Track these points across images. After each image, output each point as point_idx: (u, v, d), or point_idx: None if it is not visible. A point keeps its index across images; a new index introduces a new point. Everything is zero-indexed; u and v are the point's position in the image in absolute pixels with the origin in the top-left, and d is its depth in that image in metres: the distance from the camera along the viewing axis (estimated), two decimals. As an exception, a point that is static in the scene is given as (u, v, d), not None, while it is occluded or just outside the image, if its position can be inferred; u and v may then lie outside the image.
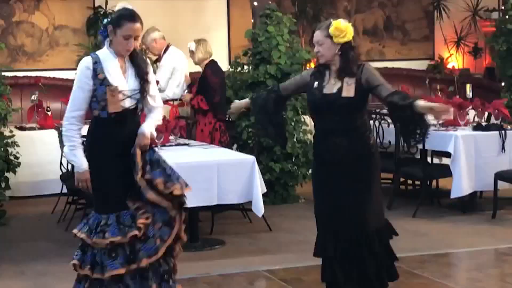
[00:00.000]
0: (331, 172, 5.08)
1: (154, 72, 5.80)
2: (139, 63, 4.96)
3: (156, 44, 8.94)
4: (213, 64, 8.54)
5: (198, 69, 8.80)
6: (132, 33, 4.86)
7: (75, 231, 4.82)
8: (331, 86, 5.05)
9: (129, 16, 4.91)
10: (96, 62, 4.85)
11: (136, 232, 4.70)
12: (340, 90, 5.00)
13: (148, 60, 5.11)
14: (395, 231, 5.26)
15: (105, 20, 5.00)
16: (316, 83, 5.10)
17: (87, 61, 4.88)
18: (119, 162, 4.85)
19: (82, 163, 4.84)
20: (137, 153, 4.80)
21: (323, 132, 5.10)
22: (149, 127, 4.93)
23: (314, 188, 5.23)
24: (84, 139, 4.94)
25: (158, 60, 9.10)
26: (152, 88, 5.00)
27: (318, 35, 5.05)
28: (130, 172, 4.83)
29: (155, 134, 5.04)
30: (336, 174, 5.07)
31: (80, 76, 4.86)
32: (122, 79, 4.88)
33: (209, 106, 8.34)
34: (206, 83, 8.39)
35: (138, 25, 4.89)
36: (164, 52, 9.05)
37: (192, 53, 8.52)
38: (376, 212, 5.16)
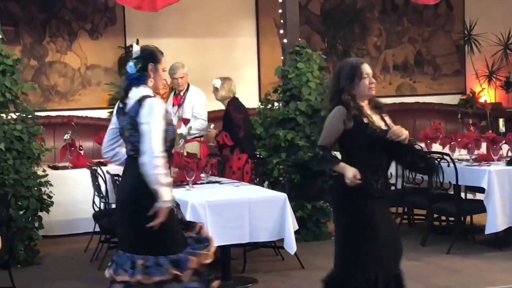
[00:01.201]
0: (386, 206, 5.10)
1: None
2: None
3: (183, 80, 8.95)
4: (235, 101, 8.59)
5: (219, 107, 8.90)
6: (165, 66, 5.02)
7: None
8: (378, 121, 5.05)
9: (158, 50, 5.07)
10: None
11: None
12: (386, 125, 5.02)
13: (148, 99, 4.89)
14: None
15: (138, 64, 4.95)
16: (365, 120, 5.05)
17: (162, 103, 4.84)
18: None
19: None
20: None
21: (376, 167, 5.03)
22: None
23: (372, 226, 4.98)
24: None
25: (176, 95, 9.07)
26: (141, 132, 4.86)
27: (369, 68, 5.09)
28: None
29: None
30: (388, 208, 5.14)
31: (162, 117, 4.71)
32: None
33: (234, 142, 8.38)
34: (230, 119, 8.44)
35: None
36: (187, 89, 9.01)
37: (216, 90, 8.56)
38: None
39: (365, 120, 5.05)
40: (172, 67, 8.86)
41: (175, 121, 8.66)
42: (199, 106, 8.93)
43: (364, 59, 5.16)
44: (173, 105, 8.93)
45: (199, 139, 8.83)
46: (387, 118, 5.08)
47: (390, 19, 12.52)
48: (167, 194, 4.54)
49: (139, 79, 4.91)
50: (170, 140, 4.85)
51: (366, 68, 5.07)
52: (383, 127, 5.02)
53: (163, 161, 4.56)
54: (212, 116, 9.40)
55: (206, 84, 10.19)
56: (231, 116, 8.44)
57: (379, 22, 12.46)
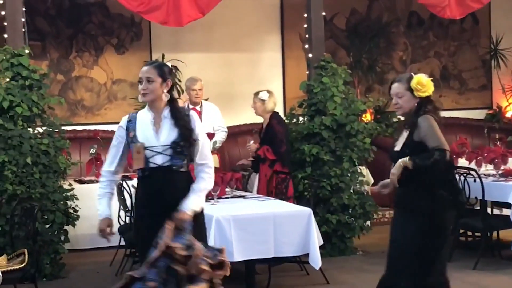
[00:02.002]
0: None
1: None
2: (174, 118, 4.94)
3: (201, 92, 8.98)
4: (277, 115, 8.64)
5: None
6: (141, 75, 4.99)
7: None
8: (400, 141, 5.07)
9: (147, 63, 5.17)
10: (130, 121, 5.02)
11: None
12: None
13: (192, 115, 5.03)
14: None
15: None
16: (396, 137, 5.14)
17: (123, 120, 5.08)
18: (154, 220, 4.76)
19: (102, 211, 5.11)
20: (167, 228, 4.62)
21: None
22: (191, 204, 4.80)
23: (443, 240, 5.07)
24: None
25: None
26: (199, 143, 4.96)
27: (398, 87, 5.09)
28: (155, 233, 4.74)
29: (198, 208, 4.85)
30: None
31: (115, 134, 5.09)
32: (151, 135, 4.91)
33: (276, 156, 8.38)
34: (273, 133, 8.44)
35: (147, 67, 5.01)
36: (201, 104, 9.05)
37: (262, 102, 8.54)
38: None
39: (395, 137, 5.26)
40: (191, 79, 8.94)
41: None
42: (220, 119, 9.06)
43: (414, 74, 5.13)
44: None
45: (215, 152, 8.81)
46: (401, 141, 5.11)
47: (415, 34, 12.49)
48: (97, 207, 5.25)
49: None
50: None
51: (394, 87, 5.14)
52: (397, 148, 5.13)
53: (101, 177, 5.20)
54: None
55: (231, 99, 10.27)
56: (274, 130, 8.45)
57: (405, 37, 12.43)
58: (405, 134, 5.06)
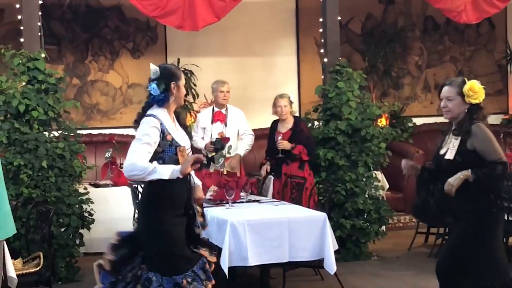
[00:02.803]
0: None
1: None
2: (181, 121, 5.18)
3: (229, 94, 8.98)
4: (303, 120, 8.78)
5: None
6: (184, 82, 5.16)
7: None
8: (446, 146, 5.05)
9: (177, 67, 5.22)
10: (162, 123, 4.97)
11: None
12: (446, 152, 5.03)
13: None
14: None
15: (161, 85, 5.07)
16: (440, 141, 5.12)
17: (155, 121, 4.96)
18: (183, 221, 4.99)
19: (170, 168, 4.89)
20: (198, 209, 5.04)
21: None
22: (198, 179, 5.20)
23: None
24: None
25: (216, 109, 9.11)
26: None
27: (449, 90, 5.07)
28: (189, 230, 5.01)
29: None
30: None
31: (150, 134, 4.93)
32: (185, 138, 5.01)
33: (311, 158, 8.45)
34: (305, 136, 8.50)
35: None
36: (226, 108, 9.04)
37: (291, 103, 8.60)
38: None
39: (439, 142, 5.25)
40: (218, 81, 8.96)
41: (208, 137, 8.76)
42: (245, 123, 9.08)
43: (467, 80, 5.11)
44: (213, 121, 8.92)
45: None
46: (453, 149, 5.09)
47: (431, 38, 12.46)
48: (164, 172, 4.87)
49: (164, 99, 5.05)
50: (172, 161, 4.93)
51: (444, 90, 5.13)
52: (443, 152, 5.14)
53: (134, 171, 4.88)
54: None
55: (246, 103, 10.25)
56: (307, 133, 8.54)
57: (420, 41, 12.40)
58: (454, 141, 5.02)
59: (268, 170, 8.60)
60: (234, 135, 8.91)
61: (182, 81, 5.11)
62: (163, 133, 4.94)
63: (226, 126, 8.91)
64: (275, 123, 8.76)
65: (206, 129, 8.92)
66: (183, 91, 5.16)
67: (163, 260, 4.94)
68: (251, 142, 9.03)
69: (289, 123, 8.57)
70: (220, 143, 8.51)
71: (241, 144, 8.95)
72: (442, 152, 5.10)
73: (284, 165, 8.44)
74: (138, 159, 4.87)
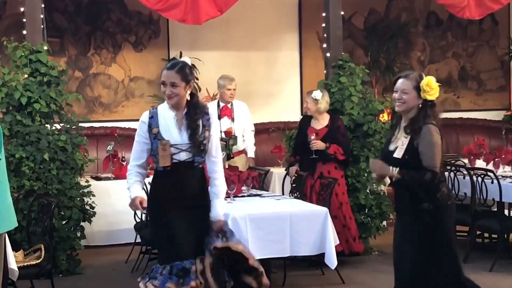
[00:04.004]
0: None
1: None
2: (192, 116, 5.07)
3: (235, 93, 8.99)
4: (339, 116, 8.38)
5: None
6: (166, 80, 5.02)
7: (140, 285, 5.01)
8: (395, 142, 5.03)
9: (168, 64, 5.11)
10: (152, 117, 5.07)
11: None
12: (395, 149, 5.00)
13: (213, 114, 5.22)
14: None
15: None
16: (389, 137, 5.12)
17: (144, 115, 5.12)
18: (178, 214, 4.98)
19: (133, 192, 5.04)
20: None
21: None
22: (220, 210, 5.12)
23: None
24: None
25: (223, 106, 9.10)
26: (212, 141, 5.13)
27: (405, 83, 5.02)
28: (192, 225, 4.98)
29: (224, 211, 5.22)
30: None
31: (138, 130, 5.13)
32: (176, 133, 5.00)
33: (346, 157, 8.10)
34: (341, 134, 8.11)
35: (171, 72, 5.03)
36: (232, 103, 9.07)
37: (315, 102, 8.12)
38: None
39: (389, 136, 5.25)
40: (226, 78, 8.94)
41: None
42: (249, 117, 9.10)
43: (424, 75, 5.07)
44: (220, 117, 8.92)
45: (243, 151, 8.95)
46: (402, 148, 5.06)
47: (434, 34, 12.45)
48: (129, 193, 5.06)
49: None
50: (157, 153, 5.02)
51: (400, 82, 5.08)
52: (392, 148, 5.11)
53: (129, 172, 5.13)
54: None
55: (249, 97, 10.23)
56: (343, 132, 8.15)
57: (423, 37, 12.39)
58: (404, 139, 4.99)
59: (297, 170, 8.24)
60: (241, 129, 8.97)
61: (161, 78, 5.08)
62: (150, 126, 5.05)
63: (233, 121, 8.94)
64: (306, 119, 8.37)
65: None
66: (161, 89, 5.12)
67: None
68: (253, 139, 9.10)
69: (325, 120, 8.20)
70: (234, 141, 8.57)
71: (247, 146, 9.00)
72: (391, 148, 5.06)
73: (320, 164, 8.08)
74: (130, 159, 5.20)
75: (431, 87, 4.95)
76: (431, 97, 4.97)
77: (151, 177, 5.19)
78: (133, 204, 5.01)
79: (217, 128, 5.27)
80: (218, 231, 5.02)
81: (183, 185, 5.03)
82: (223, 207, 5.16)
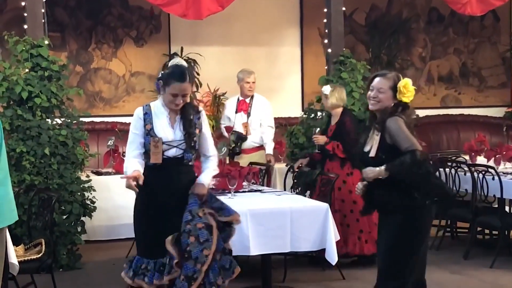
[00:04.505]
0: None
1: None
2: (186, 114, 5.13)
3: (254, 85, 8.88)
4: (350, 111, 8.15)
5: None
6: (179, 93, 5.05)
7: (122, 274, 5.17)
8: (370, 142, 5.03)
9: (178, 75, 5.05)
10: (146, 113, 5.14)
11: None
12: (371, 149, 4.99)
13: (203, 111, 5.28)
14: None
15: (160, 74, 5.23)
16: (364, 137, 5.10)
17: (139, 111, 5.18)
18: (162, 208, 5.06)
19: (129, 169, 5.06)
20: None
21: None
22: (207, 178, 5.23)
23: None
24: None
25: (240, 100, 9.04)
26: (205, 138, 5.23)
27: (382, 82, 4.98)
28: (171, 220, 5.02)
29: (211, 183, 5.41)
30: None
31: (133, 124, 5.19)
32: (169, 130, 5.08)
33: (347, 155, 7.82)
34: (345, 130, 7.86)
35: (185, 85, 5.03)
36: (252, 97, 8.95)
37: (325, 97, 7.98)
38: None
39: (363, 138, 5.21)
40: (245, 71, 8.86)
41: (240, 128, 8.69)
42: (269, 114, 8.96)
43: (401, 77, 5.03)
44: (237, 111, 8.88)
45: (264, 146, 8.89)
46: (375, 146, 5.04)
47: (435, 30, 12.44)
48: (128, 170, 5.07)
49: (158, 89, 5.23)
50: (149, 149, 5.08)
51: (377, 81, 5.03)
52: (367, 149, 5.10)
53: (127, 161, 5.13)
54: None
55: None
56: (347, 127, 7.87)
57: (425, 33, 12.38)
58: (376, 137, 4.96)
59: (303, 164, 8.16)
60: (257, 125, 8.86)
61: (170, 90, 5.04)
62: (144, 122, 5.12)
63: (248, 116, 8.85)
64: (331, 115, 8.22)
65: (230, 118, 8.90)
66: (168, 98, 5.07)
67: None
68: (272, 136, 8.96)
69: (336, 117, 8.03)
70: (235, 136, 8.54)
71: (265, 143, 8.88)
72: (366, 149, 5.02)
73: (328, 161, 7.99)
74: (126, 153, 5.22)
75: (407, 89, 4.90)
76: (406, 99, 4.91)
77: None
78: (125, 177, 4.98)
79: (208, 126, 5.34)
80: (198, 195, 5.10)
81: (172, 180, 5.10)
82: (210, 177, 5.32)
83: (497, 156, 8.62)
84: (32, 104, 7.71)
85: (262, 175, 8.35)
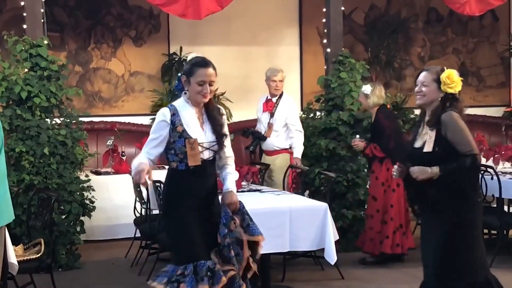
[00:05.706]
0: None
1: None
2: (215, 115, 5.00)
3: (282, 84, 8.59)
4: (384, 108, 7.97)
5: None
6: (206, 79, 4.89)
7: (154, 284, 4.85)
8: (421, 138, 5.01)
9: (201, 62, 4.97)
10: (174, 114, 4.90)
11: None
12: (423, 145, 4.97)
13: (223, 111, 5.15)
14: None
15: (179, 74, 5.07)
16: (413, 134, 5.10)
17: (165, 113, 4.92)
18: (197, 213, 4.91)
19: (140, 160, 4.83)
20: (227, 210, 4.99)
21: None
22: (232, 184, 5.08)
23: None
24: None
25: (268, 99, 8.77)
26: (227, 139, 5.07)
27: (426, 76, 5.03)
28: (207, 224, 4.92)
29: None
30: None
31: (156, 127, 4.93)
32: (200, 131, 4.92)
33: (384, 153, 7.81)
34: (380, 128, 7.85)
35: (211, 70, 4.92)
36: (279, 97, 8.60)
37: (366, 97, 7.89)
38: None
39: (413, 135, 5.19)
40: (273, 69, 8.58)
41: (262, 129, 8.56)
42: (294, 116, 8.56)
43: (446, 68, 5.06)
44: (263, 111, 8.62)
45: (289, 150, 8.50)
46: (431, 140, 5.03)
47: (434, 30, 12.44)
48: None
49: (179, 90, 5.04)
50: (181, 152, 4.88)
51: (421, 75, 5.09)
52: (419, 145, 5.09)
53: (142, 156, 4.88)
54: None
55: (248, 92, 10.24)
56: (381, 125, 7.83)
57: (423, 33, 12.39)
58: (430, 132, 4.95)
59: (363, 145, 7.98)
60: (279, 127, 8.45)
61: (196, 78, 4.89)
62: (173, 124, 4.88)
63: (272, 116, 8.51)
64: None
65: (259, 118, 8.69)
66: (195, 88, 4.91)
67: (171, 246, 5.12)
68: (302, 140, 8.48)
69: (373, 116, 8.01)
70: (247, 134, 8.49)
71: (293, 146, 8.46)
72: (417, 145, 5.03)
73: (373, 163, 7.96)
74: (145, 148, 4.97)
75: (451, 79, 4.93)
76: (451, 90, 4.95)
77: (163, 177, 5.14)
78: (137, 172, 4.74)
79: (226, 128, 5.16)
80: (230, 204, 5.00)
81: (205, 183, 4.96)
82: (234, 183, 5.14)
83: (496, 155, 8.63)
84: (31, 104, 7.71)
85: (262, 175, 8.35)
